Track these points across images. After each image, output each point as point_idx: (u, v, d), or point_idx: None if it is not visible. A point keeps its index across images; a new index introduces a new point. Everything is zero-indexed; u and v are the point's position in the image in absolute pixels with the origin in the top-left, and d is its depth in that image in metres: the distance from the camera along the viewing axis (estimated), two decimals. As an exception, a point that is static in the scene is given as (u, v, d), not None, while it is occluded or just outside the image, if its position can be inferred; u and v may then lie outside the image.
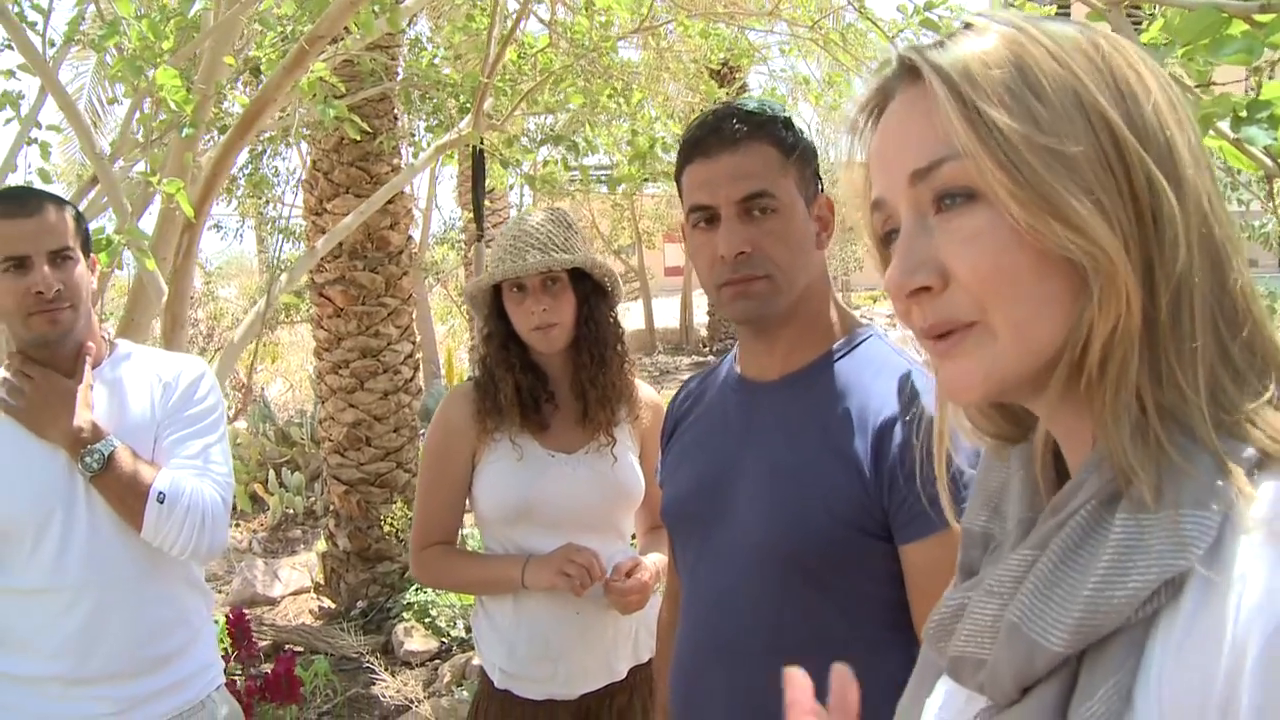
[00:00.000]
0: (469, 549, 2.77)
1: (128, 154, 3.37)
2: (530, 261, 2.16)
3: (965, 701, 0.79)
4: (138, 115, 3.23)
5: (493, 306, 2.31)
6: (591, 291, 2.27)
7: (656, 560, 2.28)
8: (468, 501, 2.36)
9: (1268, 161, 1.15)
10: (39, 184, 3.78)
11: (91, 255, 2.04)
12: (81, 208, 3.77)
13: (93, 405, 1.98)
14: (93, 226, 3.33)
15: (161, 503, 1.92)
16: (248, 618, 4.08)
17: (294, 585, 6.04)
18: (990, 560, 0.80)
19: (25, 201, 1.94)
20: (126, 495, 1.93)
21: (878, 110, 0.79)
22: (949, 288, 0.72)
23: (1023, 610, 0.69)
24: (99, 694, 1.98)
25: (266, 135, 6.52)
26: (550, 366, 2.31)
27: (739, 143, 1.47)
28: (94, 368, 2.05)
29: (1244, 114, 1.07)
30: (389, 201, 5.50)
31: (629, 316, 16.82)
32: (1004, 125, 0.68)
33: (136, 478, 1.93)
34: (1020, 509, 0.78)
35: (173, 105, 2.68)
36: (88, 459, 1.92)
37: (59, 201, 1.99)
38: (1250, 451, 0.64)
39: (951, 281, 0.71)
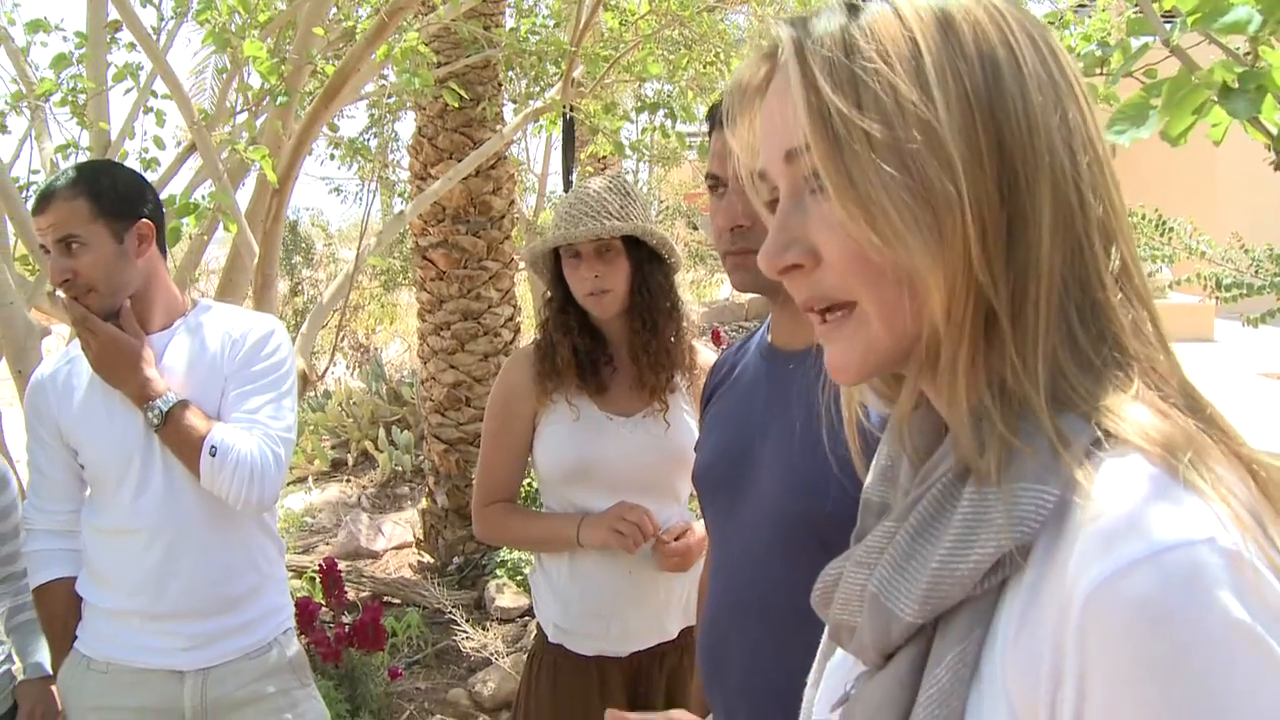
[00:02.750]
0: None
1: (225, 123, 3.52)
2: (583, 229, 2.20)
3: (852, 664, 0.82)
4: (236, 84, 3.37)
5: (554, 271, 2.36)
6: (647, 259, 2.30)
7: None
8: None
9: (1274, 131, 1.12)
10: (153, 149, 3.98)
11: (140, 223, 2.13)
12: (187, 173, 3.95)
13: (156, 361, 2.11)
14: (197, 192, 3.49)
15: (214, 456, 2.03)
16: (342, 569, 4.25)
17: (396, 540, 6.23)
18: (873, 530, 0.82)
19: (42, 198, 2.10)
20: (183, 448, 2.06)
21: (771, 72, 0.78)
22: (820, 267, 0.73)
23: (881, 581, 0.72)
24: (173, 629, 2.14)
25: (389, 101, 6.67)
26: (609, 330, 2.35)
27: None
28: (166, 327, 2.18)
29: (1234, 85, 1.04)
30: (491, 166, 5.60)
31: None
32: (845, 117, 0.67)
33: (192, 432, 2.05)
34: (905, 479, 0.80)
35: (260, 77, 2.79)
36: (149, 413, 2.06)
37: (79, 188, 2.09)
38: (1090, 433, 0.65)
39: (822, 262, 0.72)
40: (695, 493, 2.00)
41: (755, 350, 1.68)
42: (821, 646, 0.94)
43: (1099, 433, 0.65)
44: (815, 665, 0.95)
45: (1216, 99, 1.09)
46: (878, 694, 0.72)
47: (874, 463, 0.88)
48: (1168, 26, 1.35)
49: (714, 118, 1.56)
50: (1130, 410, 0.65)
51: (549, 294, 2.39)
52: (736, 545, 1.56)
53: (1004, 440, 0.66)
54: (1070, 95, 0.70)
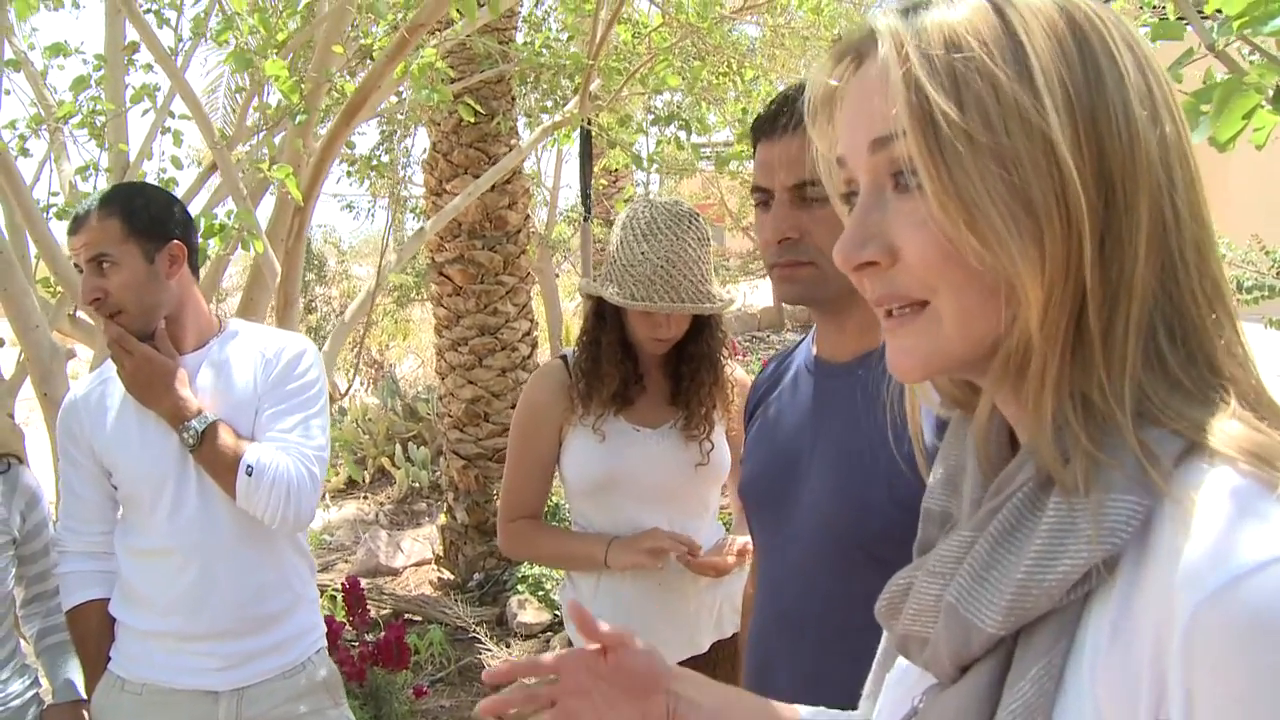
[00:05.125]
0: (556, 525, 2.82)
1: (244, 141, 3.52)
2: (688, 306, 2.17)
3: (918, 677, 0.80)
4: (255, 103, 3.38)
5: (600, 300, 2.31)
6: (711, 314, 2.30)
7: (746, 542, 2.31)
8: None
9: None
10: (171, 170, 4.00)
11: (172, 244, 2.13)
12: (205, 193, 3.96)
13: (190, 382, 2.11)
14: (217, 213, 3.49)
15: (250, 475, 2.03)
16: (363, 586, 4.24)
17: (415, 556, 6.23)
18: (944, 538, 0.80)
19: (78, 217, 2.11)
20: (219, 467, 2.06)
21: (855, 65, 0.76)
22: (897, 265, 0.71)
23: (960, 591, 0.70)
24: (207, 650, 2.13)
25: (402, 117, 6.69)
26: (643, 353, 2.33)
27: (800, 127, 1.47)
28: (199, 347, 2.18)
29: (1287, 90, 1.02)
30: (507, 181, 5.61)
31: (757, 294, 16.75)
32: (948, 116, 0.66)
33: (228, 451, 2.05)
34: (973, 488, 0.78)
35: (281, 95, 2.79)
36: (184, 434, 2.05)
37: (113, 209, 2.09)
38: (1177, 445, 0.64)
39: (900, 260, 0.71)
40: (741, 505, 2.01)
41: (800, 363, 1.67)
42: (879, 657, 0.92)
43: (1187, 444, 0.64)
44: (872, 676, 0.93)
45: (1268, 104, 1.08)
46: (952, 706, 0.71)
47: (934, 471, 0.87)
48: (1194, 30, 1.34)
49: (759, 130, 1.54)
50: (1221, 424, 0.64)
51: (604, 317, 2.31)
52: (784, 558, 1.55)
53: (1089, 454, 0.65)
54: (1166, 109, 0.69)
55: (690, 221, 2.22)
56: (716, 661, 2.38)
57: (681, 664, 2.28)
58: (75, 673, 2.35)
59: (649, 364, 2.33)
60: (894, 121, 0.68)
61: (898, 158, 0.69)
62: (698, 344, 2.30)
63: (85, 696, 2.29)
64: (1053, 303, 0.66)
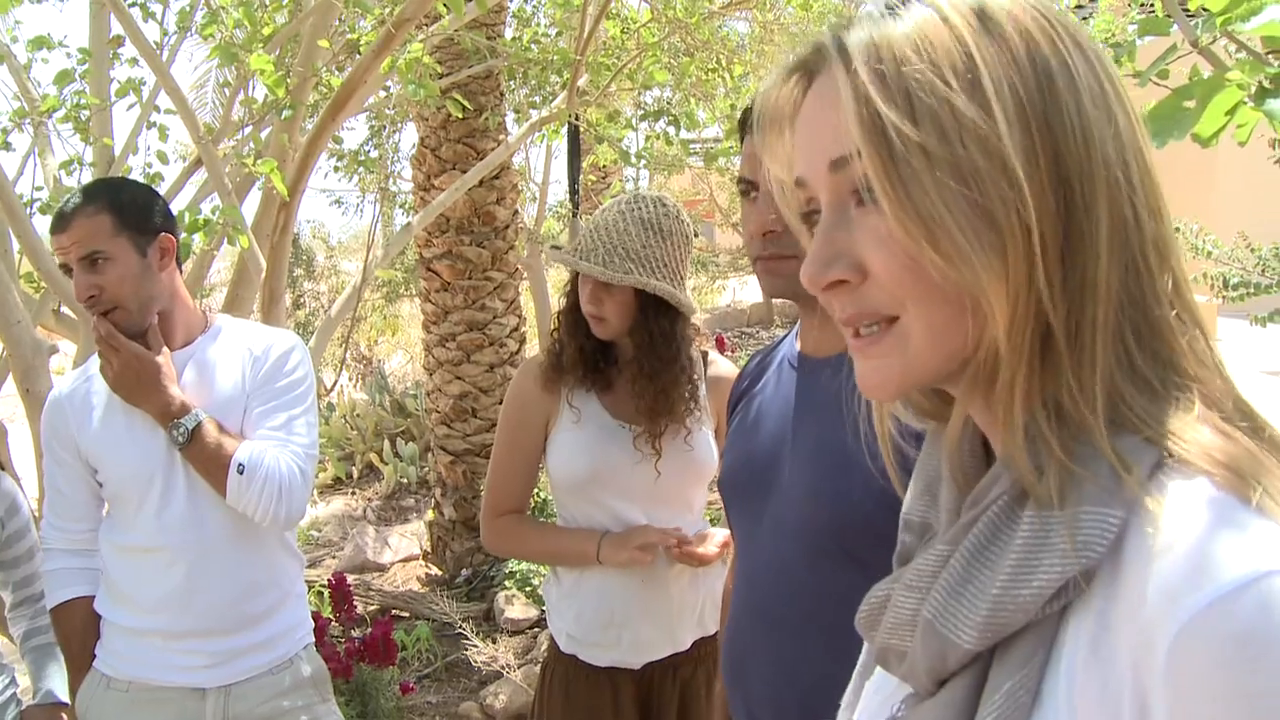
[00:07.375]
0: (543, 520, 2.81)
1: (230, 136, 3.51)
2: (585, 264, 2.18)
3: (896, 686, 0.80)
4: (240, 98, 3.36)
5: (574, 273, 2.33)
6: (652, 304, 2.23)
7: (727, 535, 2.31)
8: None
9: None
10: (157, 164, 3.98)
11: (162, 237, 2.13)
12: (190, 189, 3.94)
13: (178, 379, 2.09)
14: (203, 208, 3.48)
15: (241, 473, 2.02)
16: (350, 582, 4.23)
17: (403, 553, 6.21)
18: (922, 550, 0.79)
19: (64, 215, 2.07)
20: (210, 465, 2.05)
21: (806, 81, 0.75)
22: (867, 282, 0.70)
23: (936, 607, 0.69)
24: (195, 647, 2.12)
25: (391, 112, 6.67)
26: (617, 341, 2.32)
27: None
28: (187, 344, 2.17)
29: (1269, 85, 1.02)
30: (495, 177, 5.59)
31: (747, 290, 16.75)
32: (901, 132, 0.65)
33: (218, 449, 2.04)
34: (949, 499, 0.78)
35: (266, 90, 2.78)
36: (174, 432, 2.04)
37: (101, 203, 2.07)
38: (1151, 455, 0.64)
39: (869, 277, 0.70)
40: (721, 499, 2.01)
41: (784, 357, 1.67)
42: (859, 668, 0.92)
43: (1161, 455, 0.63)
44: (852, 685, 0.92)
45: (1250, 100, 1.08)
46: (929, 719, 0.71)
47: (913, 481, 0.86)
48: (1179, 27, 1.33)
49: (746, 123, 1.54)
50: (1192, 432, 0.64)
51: (571, 290, 2.34)
52: (762, 552, 1.55)
53: (1062, 465, 0.64)
54: (1118, 103, 0.68)
55: (643, 204, 2.23)
56: (699, 659, 2.37)
57: (664, 661, 2.31)
58: (59, 676, 2.34)
59: (622, 350, 2.32)
60: (849, 140, 0.67)
61: (856, 176, 0.68)
62: (643, 333, 2.25)
63: (67, 699, 2.28)
64: (1018, 313, 0.65)
